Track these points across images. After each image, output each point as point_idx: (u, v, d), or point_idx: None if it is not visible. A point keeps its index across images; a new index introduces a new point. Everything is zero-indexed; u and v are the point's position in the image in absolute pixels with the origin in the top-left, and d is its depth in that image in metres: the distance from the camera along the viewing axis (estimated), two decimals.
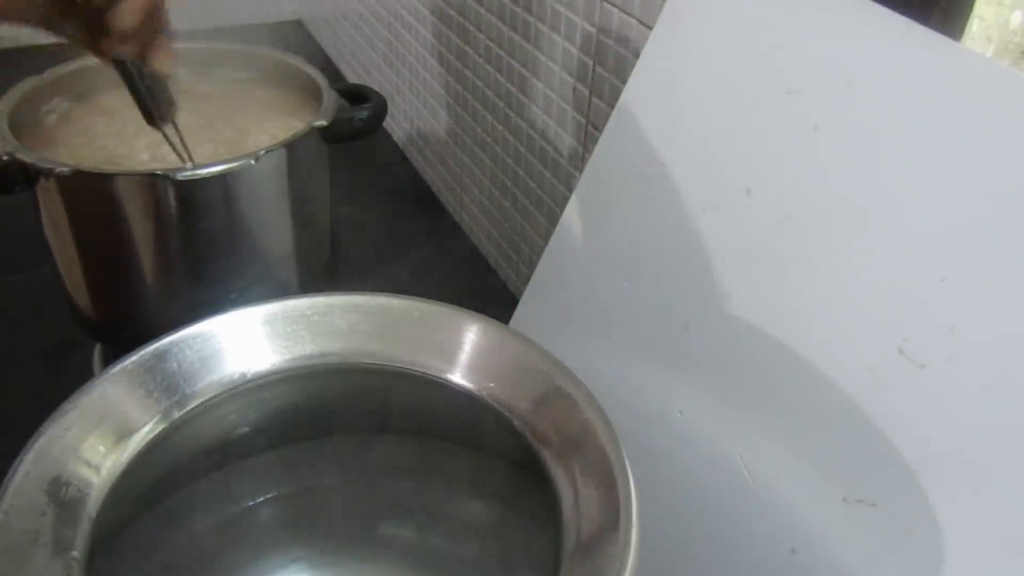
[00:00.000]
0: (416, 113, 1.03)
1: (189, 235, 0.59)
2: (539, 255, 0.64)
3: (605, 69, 0.62)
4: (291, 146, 0.60)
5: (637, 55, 0.56)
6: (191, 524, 0.45)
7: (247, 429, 0.45)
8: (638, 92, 0.55)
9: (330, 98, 0.64)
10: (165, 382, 0.40)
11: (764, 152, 0.46)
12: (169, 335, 0.41)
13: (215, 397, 0.41)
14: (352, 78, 1.25)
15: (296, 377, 0.43)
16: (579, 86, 0.66)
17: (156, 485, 0.41)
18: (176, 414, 0.40)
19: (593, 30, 0.62)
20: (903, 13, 0.41)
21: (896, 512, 0.39)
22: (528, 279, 0.63)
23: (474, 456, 0.45)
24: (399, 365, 0.43)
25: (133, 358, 0.40)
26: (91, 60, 0.65)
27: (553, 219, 0.72)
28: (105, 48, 0.48)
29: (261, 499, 0.47)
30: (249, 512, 0.47)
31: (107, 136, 0.64)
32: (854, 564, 0.40)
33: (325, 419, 0.46)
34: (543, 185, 0.75)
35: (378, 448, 0.48)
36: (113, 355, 0.53)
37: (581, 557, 0.33)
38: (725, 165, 0.48)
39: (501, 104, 0.79)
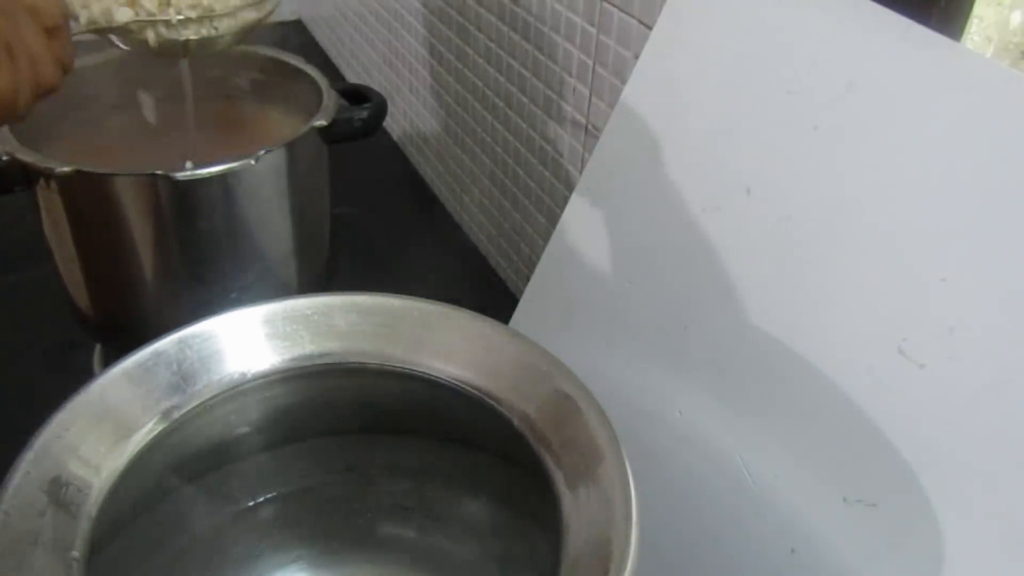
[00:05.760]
0: (416, 113, 1.03)
1: (189, 235, 0.59)
2: (539, 255, 0.64)
3: (605, 69, 0.62)
4: (291, 146, 0.60)
5: (637, 55, 0.56)
6: (191, 524, 0.45)
7: (247, 429, 0.45)
8: (638, 92, 0.55)
9: (330, 98, 0.64)
10: (165, 382, 0.40)
11: (764, 152, 0.46)
12: (169, 335, 0.41)
13: (215, 397, 0.41)
14: (352, 78, 1.25)
15: (296, 377, 0.43)
16: (579, 86, 0.66)
17: (156, 485, 0.41)
18: (176, 414, 0.40)
19: (593, 30, 0.62)
20: (903, 13, 0.41)
21: (896, 512, 0.39)
22: (528, 279, 0.63)
23: (474, 456, 0.45)
24: (399, 365, 0.43)
25: (133, 358, 0.40)
26: (90, 59, 0.65)
27: (553, 219, 0.72)
28: None
29: (261, 499, 0.47)
30: (249, 512, 0.47)
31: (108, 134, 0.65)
32: (854, 564, 0.40)
33: (325, 419, 0.46)
34: (543, 185, 0.75)
35: (378, 448, 0.48)
36: (113, 355, 0.53)
37: (581, 557, 0.33)
38: (725, 165, 0.48)
39: (501, 104, 0.79)
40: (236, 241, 0.61)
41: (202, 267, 0.61)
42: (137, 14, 0.52)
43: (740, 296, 0.47)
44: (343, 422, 0.47)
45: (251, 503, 0.47)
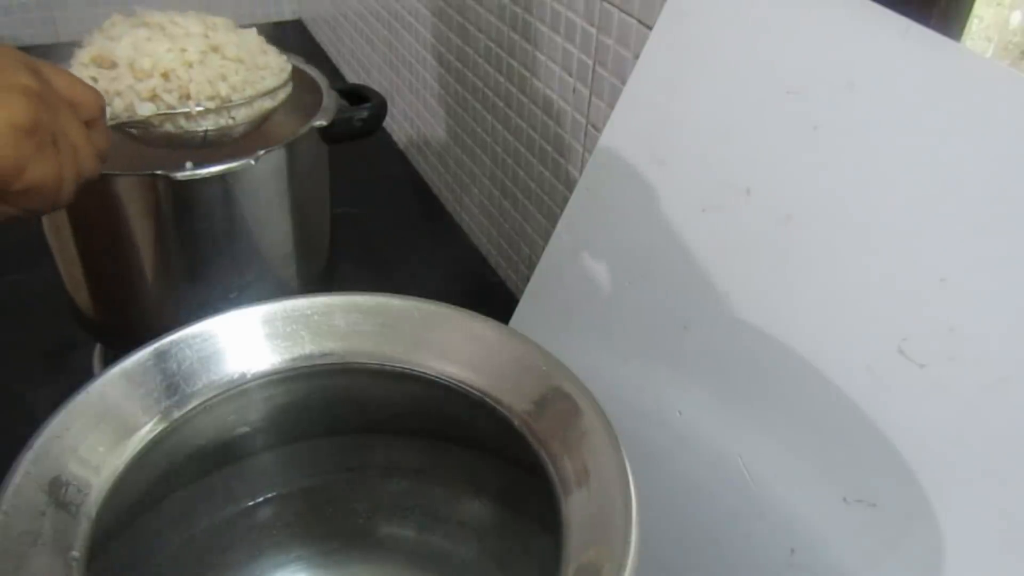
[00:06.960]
0: (416, 113, 1.03)
1: (189, 235, 0.59)
2: (539, 255, 0.64)
3: (605, 69, 0.62)
4: (291, 146, 0.60)
5: (637, 55, 0.56)
6: (191, 524, 0.45)
7: (247, 429, 0.45)
8: (638, 92, 0.55)
9: (330, 98, 0.64)
10: (165, 382, 0.40)
11: (764, 152, 0.46)
12: (169, 335, 0.41)
13: (215, 397, 0.41)
14: (352, 78, 1.25)
15: (296, 377, 0.43)
16: (579, 86, 0.66)
17: (156, 485, 0.41)
18: (176, 414, 0.40)
19: (593, 30, 0.62)
20: (903, 13, 0.41)
21: (896, 512, 0.39)
22: (528, 279, 0.63)
23: (474, 456, 0.45)
24: (399, 365, 0.43)
25: (133, 358, 0.40)
26: None
27: (553, 219, 0.72)
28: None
29: (261, 499, 0.47)
30: (249, 512, 0.47)
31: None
32: (854, 564, 0.40)
33: (325, 419, 0.46)
34: (543, 185, 0.75)
35: (378, 448, 0.48)
36: (113, 355, 0.53)
37: (581, 557, 0.33)
38: (725, 165, 0.48)
39: (501, 104, 0.79)
40: (236, 241, 0.61)
41: (202, 267, 0.61)
42: (158, 108, 0.53)
43: (740, 296, 0.47)
44: (343, 422, 0.47)
45: (251, 503, 0.47)
